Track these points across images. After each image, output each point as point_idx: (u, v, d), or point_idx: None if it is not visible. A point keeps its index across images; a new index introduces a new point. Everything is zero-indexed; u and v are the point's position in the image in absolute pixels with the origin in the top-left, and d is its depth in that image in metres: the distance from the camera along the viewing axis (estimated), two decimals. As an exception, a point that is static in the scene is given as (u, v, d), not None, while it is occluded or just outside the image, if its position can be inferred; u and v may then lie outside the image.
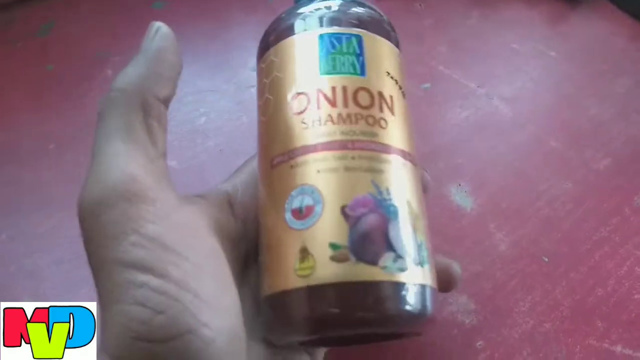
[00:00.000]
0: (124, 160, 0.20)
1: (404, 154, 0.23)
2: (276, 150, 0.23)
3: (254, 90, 0.44)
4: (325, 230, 0.20)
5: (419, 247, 0.22)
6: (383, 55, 0.25)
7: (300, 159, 0.22)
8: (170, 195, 0.21)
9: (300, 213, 0.21)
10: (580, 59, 0.51)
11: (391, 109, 0.24)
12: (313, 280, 0.20)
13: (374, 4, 0.27)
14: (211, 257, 0.21)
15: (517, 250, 0.36)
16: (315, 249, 0.20)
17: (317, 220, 0.21)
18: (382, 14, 0.27)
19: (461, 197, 0.38)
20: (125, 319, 0.18)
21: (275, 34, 0.26)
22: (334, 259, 0.20)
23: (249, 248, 0.25)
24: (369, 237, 0.20)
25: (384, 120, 0.23)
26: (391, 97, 0.24)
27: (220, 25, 0.51)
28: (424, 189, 0.26)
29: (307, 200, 0.21)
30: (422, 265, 0.21)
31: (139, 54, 0.22)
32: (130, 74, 0.22)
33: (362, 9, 0.26)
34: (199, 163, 0.40)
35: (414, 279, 0.21)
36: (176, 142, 0.41)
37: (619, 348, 0.31)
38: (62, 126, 0.42)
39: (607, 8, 0.57)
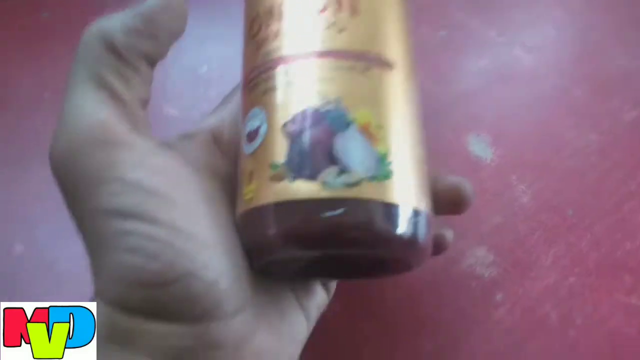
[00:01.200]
0: (95, 107, 0.19)
1: (370, 57, 0.21)
2: (242, 74, 0.23)
3: (259, 37, 0.43)
4: (267, 151, 0.19)
5: (378, 159, 0.19)
6: None
7: (253, 81, 0.21)
8: (148, 140, 0.20)
9: (250, 137, 0.20)
10: (607, 5, 0.48)
11: (354, 8, 0.21)
12: (254, 203, 0.19)
13: None
14: (200, 197, 0.19)
15: (540, 203, 0.33)
16: (258, 171, 0.19)
17: (261, 141, 0.20)
18: None
19: (480, 147, 0.36)
20: (118, 268, 0.17)
21: None
22: (272, 178, 0.19)
23: None
24: (308, 152, 0.19)
25: (340, 22, 0.21)
26: None
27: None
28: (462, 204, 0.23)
29: (255, 123, 0.20)
30: (382, 180, 0.19)
31: (135, 7, 0.20)
32: (114, 21, 0.20)
33: None
34: (200, 112, 0.38)
35: (368, 194, 0.18)
36: (177, 90, 0.39)
37: (648, 303, 0.29)
38: (58, 74, 0.39)
39: (636, -47, 0.53)
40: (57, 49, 0.41)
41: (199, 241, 0.18)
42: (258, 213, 0.19)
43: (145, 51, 0.20)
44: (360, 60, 0.20)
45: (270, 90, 0.20)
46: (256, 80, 0.21)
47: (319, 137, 0.19)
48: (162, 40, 0.21)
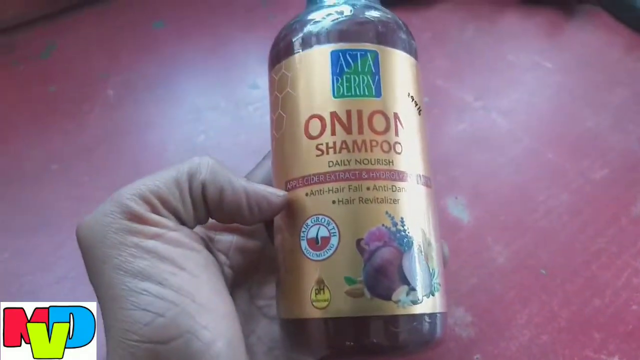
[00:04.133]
0: (136, 188, 0.21)
1: (419, 178, 0.23)
2: (290, 174, 0.23)
3: (252, 108, 0.45)
4: (341, 263, 0.21)
5: (431, 275, 0.22)
6: (400, 71, 0.24)
7: (315, 187, 0.22)
8: (169, 221, 0.22)
9: (316, 244, 0.22)
10: (576, 70, 0.51)
11: (407, 131, 0.23)
12: (329, 313, 0.21)
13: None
14: (206, 268, 0.22)
15: (515, 263, 0.36)
16: (331, 282, 0.21)
17: (333, 253, 0.21)
18: (398, 20, 0.26)
19: (458, 209, 0.39)
20: (128, 323, 0.19)
21: (287, 45, 0.25)
22: (349, 293, 0.21)
23: (233, 277, 0.26)
24: (383, 272, 0.21)
25: (399, 144, 0.23)
26: (407, 117, 0.24)
27: (219, 43, 0.52)
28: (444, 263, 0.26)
29: (323, 232, 0.22)
30: (433, 294, 0.22)
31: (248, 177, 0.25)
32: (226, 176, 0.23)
33: (378, 14, 0.25)
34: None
35: (426, 309, 0.22)
36: (176, 160, 0.41)
37: (615, 359, 0.31)
38: (65, 146, 0.42)
39: (602, 19, 0.57)
40: (64, 122, 0.44)
41: (201, 304, 0.20)
42: (336, 323, 0.21)
43: (211, 198, 0.23)
44: (414, 181, 0.23)
45: (341, 202, 0.22)
46: (320, 187, 0.22)
47: (391, 258, 0.21)
48: (227, 201, 0.23)
